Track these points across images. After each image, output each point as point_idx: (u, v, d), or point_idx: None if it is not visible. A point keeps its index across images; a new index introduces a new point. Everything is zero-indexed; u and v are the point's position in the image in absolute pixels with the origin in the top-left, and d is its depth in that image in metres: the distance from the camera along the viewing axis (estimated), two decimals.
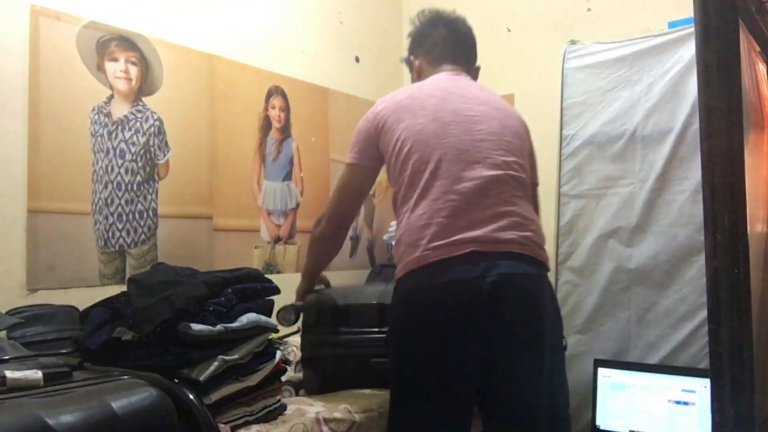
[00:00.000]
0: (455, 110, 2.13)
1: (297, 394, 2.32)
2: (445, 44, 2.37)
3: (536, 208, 2.22)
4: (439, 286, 1.94)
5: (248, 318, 1.88)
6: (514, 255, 1.97)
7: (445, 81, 2.27)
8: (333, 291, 2.55)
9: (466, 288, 1.92)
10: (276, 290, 2.04)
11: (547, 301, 2.03)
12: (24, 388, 1.42)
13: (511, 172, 2.08)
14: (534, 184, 2.25)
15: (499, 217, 1.99)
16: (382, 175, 3.89)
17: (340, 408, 2.05)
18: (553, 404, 2.01)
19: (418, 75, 2.41)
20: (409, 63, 2.46)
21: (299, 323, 2.45)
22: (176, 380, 1.69)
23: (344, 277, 3.60)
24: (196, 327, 1.74)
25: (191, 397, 1.64)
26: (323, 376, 2.36)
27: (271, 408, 1.95)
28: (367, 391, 2.29)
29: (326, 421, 1.98)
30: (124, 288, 1.97)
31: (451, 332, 1.93)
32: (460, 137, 2.08)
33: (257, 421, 1.87)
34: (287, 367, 2.37)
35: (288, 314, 2.41)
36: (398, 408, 2.04)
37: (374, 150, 2.22)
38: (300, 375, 2.45)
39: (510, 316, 1.95)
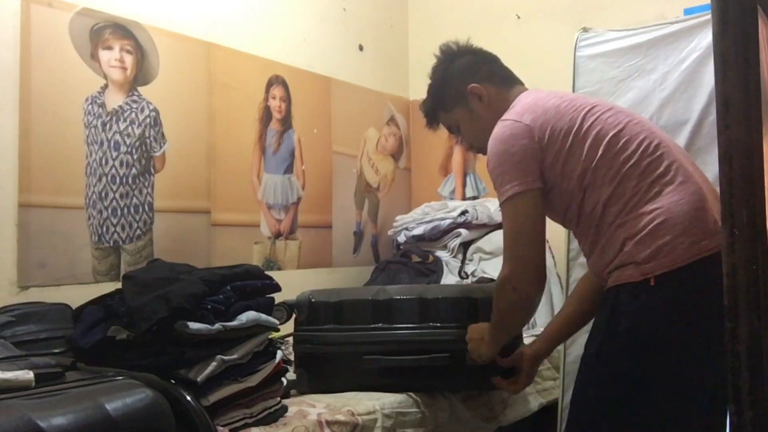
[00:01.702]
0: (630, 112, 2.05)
1: (289, 395, 2.33)
2: (502, 68, 2.28)
3: None
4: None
5: (248, 316, 1.88)
6: None
7: (565, 93, 2.17)
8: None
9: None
10: (277, 287, 2.04)
11: None
12: (15, 389, 1.42)
13: None
14: None
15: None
16: (387, 168, 3.90)
17: (342, 410, 2.05)
18: None
19: (488, 102, 2.20)
20: (470, 92, 2.21)
21: None
22: (173, 381, 1.69)
23: (348, 273, 3.61)
24: (194, 326, 1.74)
25: (188, 398, 1.64)
26: (315, 375, 2.37)
27: (272, 410, 1.95)
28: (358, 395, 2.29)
29: (328, 423, 1.97)
30: (118, 285, 1.98)
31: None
32: (656, 132, 1.98)
33: (257, 424, 1.87)
34: (288, 367, 2.37)
35: (279, 313, 2.41)
36: None
37: (537, 167, 1.96)
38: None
39: None
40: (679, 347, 1.79)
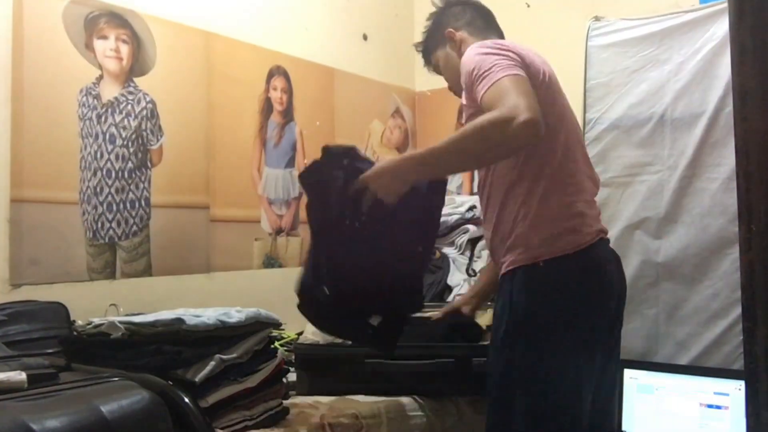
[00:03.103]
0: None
1: (288, 397, 2.33)
2: (484, 18, 2.46)
3: None
4: (603, 265, 2.08)
5: (247, 313, 1.88)
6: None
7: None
8: None
9: (611, 269, 2.11)
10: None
11: None
12: (7, 390, 1.42)
13: None
14: None
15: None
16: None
17: (346, 412, 2.05)
18: None
19: (459, 47, 2.34)
20: (447, 36, 2.41)
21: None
22: (170, 381, 1.68)
23: None
24: (191, 321, 1.73)
25: (186, 399, 1.64)
26: (316, 378, 2.37)
27: (273, 412, 1.95)
28: (361, 397, 2.29)
29: (331, 426, 1.98)
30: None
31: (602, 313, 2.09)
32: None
33: (257, 426, 1.87)
34: (289, 368, 2.38)
35: None
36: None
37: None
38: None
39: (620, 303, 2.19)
40: (564, 322, 2.01)
